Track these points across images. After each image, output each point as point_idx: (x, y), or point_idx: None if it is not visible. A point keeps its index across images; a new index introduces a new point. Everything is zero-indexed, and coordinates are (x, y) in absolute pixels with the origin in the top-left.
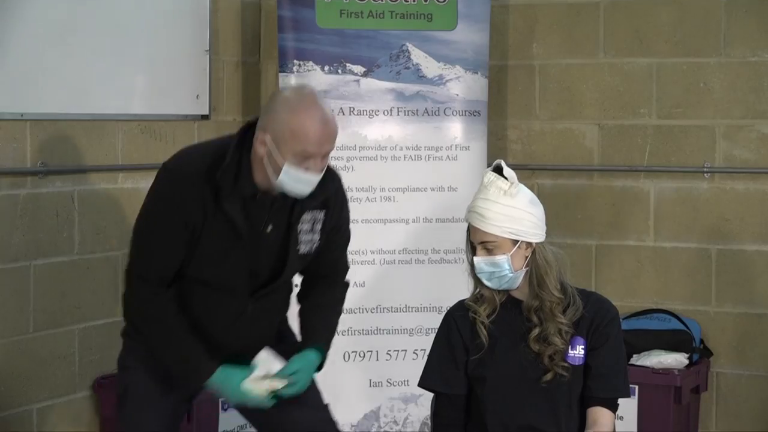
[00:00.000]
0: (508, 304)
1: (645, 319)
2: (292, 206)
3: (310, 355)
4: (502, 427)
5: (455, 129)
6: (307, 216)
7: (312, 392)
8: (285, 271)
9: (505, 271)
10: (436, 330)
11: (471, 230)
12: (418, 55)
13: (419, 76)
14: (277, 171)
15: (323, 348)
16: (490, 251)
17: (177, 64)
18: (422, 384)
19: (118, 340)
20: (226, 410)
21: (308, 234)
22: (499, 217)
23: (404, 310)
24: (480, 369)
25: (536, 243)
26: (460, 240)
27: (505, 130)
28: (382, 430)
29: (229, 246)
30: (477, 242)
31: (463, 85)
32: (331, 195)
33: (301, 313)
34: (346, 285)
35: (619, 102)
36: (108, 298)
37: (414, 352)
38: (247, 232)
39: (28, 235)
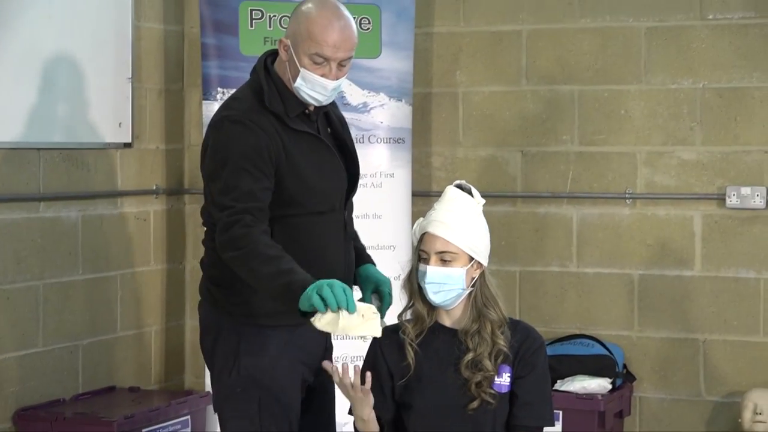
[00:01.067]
0: (436, 330)
1: (568, 344)
2: (329, 119)
3: (372, 268)
4: None
5: (380, 156)
6: (345, 125)
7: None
8: (358, 170)
9: (457, 284)
10: (363, 357)
11: (427, 239)
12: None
13: (343, 104)
14: (295, 75)
15: (373, 262)
16: (446, 262)
17: (99, 91)
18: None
19: (37, 372)
20: None
21: (351, 138)
22: (464, 230)
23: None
24: (406, 395)
25: (484, 266)
26: (386, 267)
27: (429, 157)
28: None
29: (319, 155)
30: (434, 251)
31: (388, 113)
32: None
33: None
34: (352, 222)
35: (541, 129)
36: (29, 329)
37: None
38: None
39: None
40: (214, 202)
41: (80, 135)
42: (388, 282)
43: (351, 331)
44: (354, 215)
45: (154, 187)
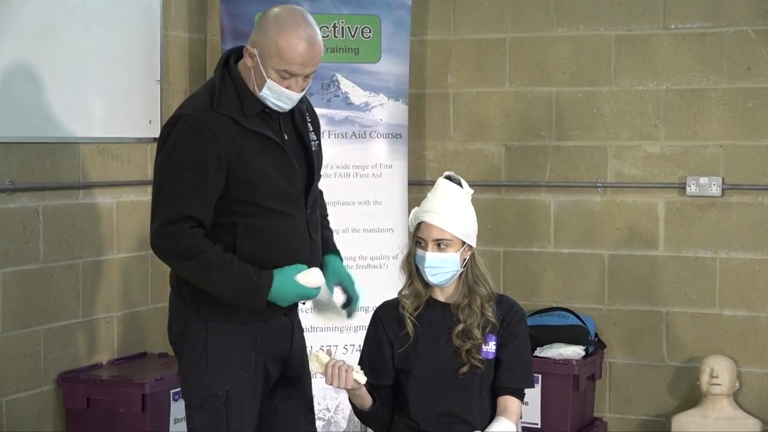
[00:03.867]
0: (431, 305)
1: (547, 316)
2: (291, 113)
3: (335, 259)
4: (424, 414)
5: (380, 150)
6: (306, 119)
7: (309, 401)
8: (316, 171)
9: (452, 267)
10: (366, 328)
11: (425, 228)
12: (346, 85)
13: (347, 103)
14: (261, 84)
15: (338, 253)
16: (442, 248)
17: (131, 92)
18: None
19: (77, 340)
20: (177, 401)
21: (310, 134)
22: (457, 219)
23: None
24: (405, 362)
25: (474, 248)
26: (385, 248)
27: (423, 150)
28: (316, 416)
29: (274, 157)
30: (431, 239)
31: (386, 111)
32: (305, 99)
33: None
34: (325, 208)
35: (523, 125)
36: (70, 302)
37: (344, 347)
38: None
39: None
40: (153, 201)
41: (115, 130)
42: (351, 279)
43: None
44: (357, 201)
45: None
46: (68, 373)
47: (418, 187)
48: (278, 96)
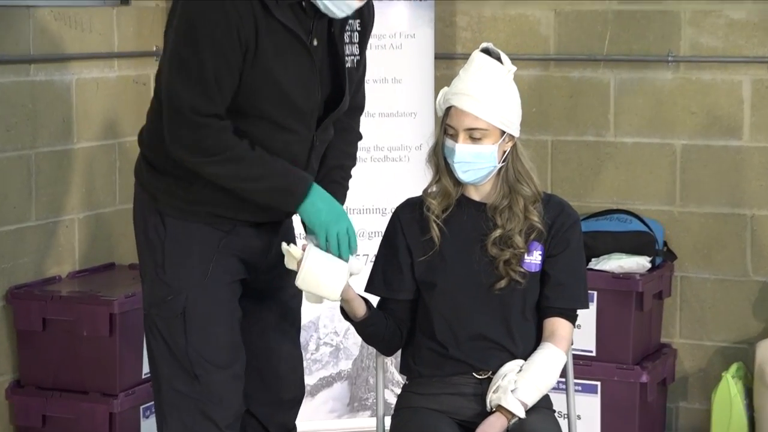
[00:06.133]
0: (462, 204)
1: (604, 220)
2: (330, 19)
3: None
4: (451, 336)
5: (399, 15)
6: (346, 26)
7: (287, 311)
8: (348, 91)
9: (488, 163)
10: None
11: (454, 114)
12: None
13: None
14: None
15: None
16: (476, 140)
17: None
18: (367, 289)
19: (30, 248)
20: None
21: (348, 46)
22: (494, 103)
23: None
24: (429, 274)
25: (516, 138)
26: (405, 136)
27: (453, 16)
28: (321, 341)
29: (295, 62)
30: (462, 128)
31: None
32: (364, 4)
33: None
34: (359, 137)
35: None
36: (20, 202)
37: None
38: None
39: None
40: (168, 81)
41: None
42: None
43: (309, 281)
44: (372, 79)
45: (154, 49)
46: (19, 288)
47: (446, 61)
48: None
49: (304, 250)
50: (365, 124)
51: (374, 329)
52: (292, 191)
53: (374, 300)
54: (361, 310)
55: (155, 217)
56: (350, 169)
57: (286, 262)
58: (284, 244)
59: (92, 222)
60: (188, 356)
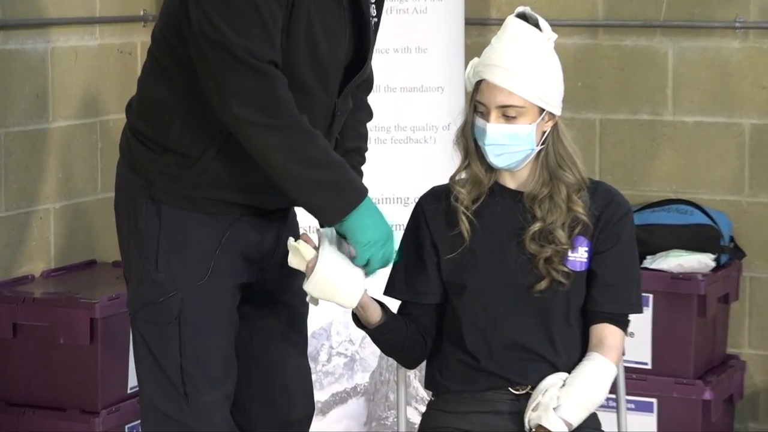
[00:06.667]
0: (496, 193)
1: (661, 211)
2: None
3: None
4: (483, 345)
5: None
6: None
7: (293, 314)
8: (369, 53)
9: (525, 145)
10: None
11: (486, 89)
12: None
13: None
14: None
15: None
16: (510, 119)
17: None
18: (387, 292)
19: (1, 241)
20: None
21: (372, 6)
22: (531, 76)
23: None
24: (457, 274)
25: (557, 117)
26: (431, 114)
27: None
28: (334, 351)
29: (325, 10)
30: (494, 105)
31: None
32: None
33: None
34: (371, 116)
35: None
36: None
37: None
38: None
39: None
40: (216, 24)
41: None
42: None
43: (323, 288)
44: (393, 48)
45: (141, 13)
46: None
47: (479, 27)
48: None
49: (314, 247)
50: (385, 99)
51: (391, 337)
52: (344, 195)
53: (392, 304)
54: (376, 316)
55: (147, 205)
56: (365, 153)
57: (289, 261)
58: (291, 240)
59: (70, 213)
60: (181, 371)
